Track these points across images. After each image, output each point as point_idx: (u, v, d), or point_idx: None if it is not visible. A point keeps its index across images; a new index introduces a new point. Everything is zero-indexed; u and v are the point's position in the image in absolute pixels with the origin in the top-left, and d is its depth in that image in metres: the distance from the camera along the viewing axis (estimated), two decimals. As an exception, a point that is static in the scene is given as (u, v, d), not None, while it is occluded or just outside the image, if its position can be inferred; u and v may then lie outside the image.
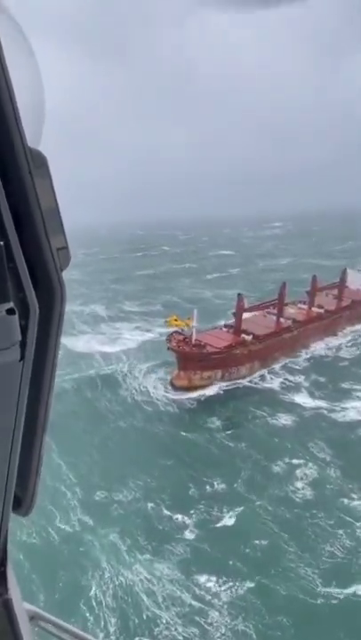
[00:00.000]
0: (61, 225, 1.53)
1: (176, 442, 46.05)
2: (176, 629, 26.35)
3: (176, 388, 56.83)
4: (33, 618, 2.81)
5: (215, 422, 49.73)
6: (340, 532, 33.17)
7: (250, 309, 65.87)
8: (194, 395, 55.58)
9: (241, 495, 37.40)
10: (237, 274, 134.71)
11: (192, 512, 35.74)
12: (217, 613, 27.37)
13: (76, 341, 74.98)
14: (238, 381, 59.11)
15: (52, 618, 2.95)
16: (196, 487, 38.55)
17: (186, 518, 35.11)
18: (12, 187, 1.36)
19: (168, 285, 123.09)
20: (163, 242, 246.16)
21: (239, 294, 64.23)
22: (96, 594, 28.78)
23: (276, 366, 63.02)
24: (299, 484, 38.51)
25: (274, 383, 59.32)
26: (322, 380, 59.46)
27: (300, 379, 59.93)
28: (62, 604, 27.44)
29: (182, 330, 60.18)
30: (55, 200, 1.48)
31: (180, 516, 35.26)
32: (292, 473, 40.16)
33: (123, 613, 27.46)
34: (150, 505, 36.25)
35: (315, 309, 72.43)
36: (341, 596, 28.30)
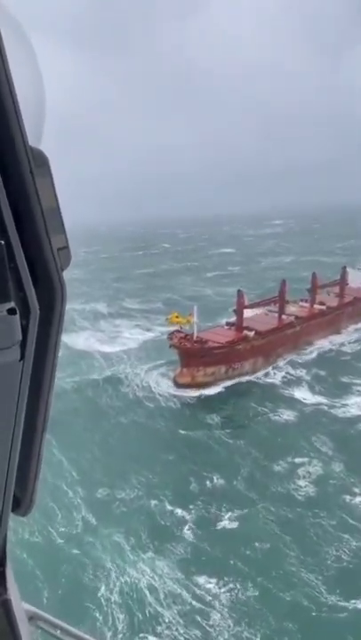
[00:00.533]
0: (62, 224, 1.53)
1: (178, 439, 46.23)
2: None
3: (179, 386, 56.52)
4: (32, 618, 2.81)
5: (220, 419, 49.69)
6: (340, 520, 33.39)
7: (251, 306, 65.90)
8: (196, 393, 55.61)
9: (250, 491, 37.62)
10: (238, 272, 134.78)
11: (198, 506, 35.88)
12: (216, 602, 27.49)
13: (77, 339, 75.11)
14: (243, 378, 58.79)
15: (51, 618, 2.96)
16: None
17: (189, 514, 35.17)
18: (12, 186, 1.36)
19: (169, 283, 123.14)
20: (163, 240, 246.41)
21: (239, 290, 64.17)
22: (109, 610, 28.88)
23: (281, 363, 62.82)
24: (301, 483, 38.58)
25: (277, 378, 59.16)
26: (327, 377, 59.30)
27: (307, 376, 59.59)
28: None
29: (181, 327, 60.10)
30: (56, 199, 1.48)
31: (186, 512, 35.37)
32: (300, 468, 40.41)
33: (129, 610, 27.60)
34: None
35: (317, 306, 72.48)
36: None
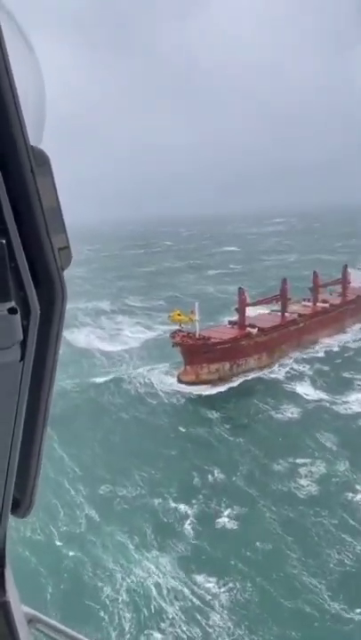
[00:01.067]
0: (63, 224, 1.52)
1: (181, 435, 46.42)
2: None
3: (183, 384, 56.25)
4: (31, 621, 2.80)
5: (228, 416, 49.71)
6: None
7: (253, 304, 65.69)
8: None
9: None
10: (241, 270, 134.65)
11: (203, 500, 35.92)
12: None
13: (79, 335, 75.36)
14: (249, 375, 58.46)
15: (50, 621, 2.95)
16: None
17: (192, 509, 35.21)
18: (13, 185, 1.35)
19: (172, 281, 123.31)
20: (165, 238, 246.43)
21: (240, 288, 64.01)
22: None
23: (288, 360, 62.71)
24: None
25: (290, 378, 58.71)
26: (337, 374, 59.32)
27: (317, 374, 59.29)
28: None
29: (181, 326, 59.96)
30: (57, 199, 1.47)
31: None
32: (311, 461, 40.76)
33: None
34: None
35: (320, 305, 72.47)
36: None
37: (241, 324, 62.43)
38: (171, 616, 26.94)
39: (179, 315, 61.00)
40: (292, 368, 61.21)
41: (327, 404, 51.96)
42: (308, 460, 41.22)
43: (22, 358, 1.49)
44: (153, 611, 27.37)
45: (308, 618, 26.54)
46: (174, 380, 57.72)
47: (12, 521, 2.04)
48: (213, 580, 29.39)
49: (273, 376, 59.40)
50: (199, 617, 26.79)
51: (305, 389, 55.55)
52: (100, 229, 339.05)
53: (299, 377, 59.11)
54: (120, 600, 28.09)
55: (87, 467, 40.82)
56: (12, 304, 1.34)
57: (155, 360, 64.35)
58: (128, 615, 27.13)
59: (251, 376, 58.91)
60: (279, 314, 67.06)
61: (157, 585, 29.05)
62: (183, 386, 56.13)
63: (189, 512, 35.37)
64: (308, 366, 61.84)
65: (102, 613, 27.19)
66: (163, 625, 26.46)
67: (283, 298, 66.77)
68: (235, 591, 28.47)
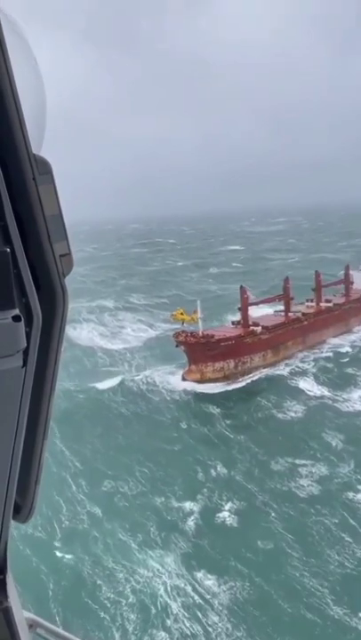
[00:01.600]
0: (65, 231, 1.52)
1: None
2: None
3: (186, 381, 55.92)
4: (32, 626, 2.81)
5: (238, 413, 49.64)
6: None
7: (256, 303, 65.60)
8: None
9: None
10: (245, 269, 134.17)
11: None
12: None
13: (80, 331, 75.52)
14: (255, 374, 58.02)
15: (50, 625, 2.96)
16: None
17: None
18: (16, 193, 1.36)
19: (175, 280, 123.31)
20: (169, 236, 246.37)
21: (242, 287, 63.82)
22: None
23: (297, 360, 62.34)
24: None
25: (302, 377, 58.19)
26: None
27: (330, 373, 58.93)
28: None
29: (183, 324, 59.86)
30: (59, 207, 1.47)
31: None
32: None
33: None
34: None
35: (323, 304, 72.31)
36: None
37: (244, 322, 62.07)
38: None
39: (181, 313, 60.92)
40: (300, 367, 60.70)
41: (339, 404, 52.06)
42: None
43: (24, 364, 1.49)
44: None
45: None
46: (179, 380, 57.27)
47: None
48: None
49: (288, 380, 58.36)
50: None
51: (319, 390, 55.02)
52: (104, 228, 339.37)
53: (314, 377, 58.18)
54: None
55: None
56: (17, 312, 1.35)
57: (159, 361, 64.07)
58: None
59: (257, 375, 58.26)
60: (283, 314, 67.00)
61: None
62: (191, 384, 55.42)
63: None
64: (323, 366, 61.13)
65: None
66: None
67: (285, 296, 66.66)
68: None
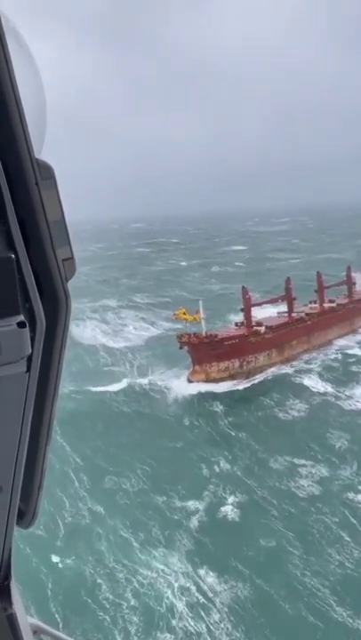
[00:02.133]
0: (67, 236, 1.51)
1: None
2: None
3: (192, 383, 55.60)
4: (36, 632, 2.81)
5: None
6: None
7: (259, 304, 65.64)
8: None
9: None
10: (249, 270, 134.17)
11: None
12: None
13: (83, 331, 75.63)
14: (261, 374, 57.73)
15: (55, 631, 2.96)
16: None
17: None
18: (19, 198, 1.35)
19: (177, 280, 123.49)
20: (173, 236, 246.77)
21: (243, 287, 63.74)
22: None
23: (302, 363, 62.08)
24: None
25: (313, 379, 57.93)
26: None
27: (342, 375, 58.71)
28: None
29: (186, 323, 59.85)
30: (62, 211, 1.46)
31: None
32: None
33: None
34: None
35: (327, 305, 72.30)
36: None
37: (248, 323, 61.94)
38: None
39: (184, 313, 60.99)
40: (308, 367, 60.49)
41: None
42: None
43: (28, 370, 1.47)
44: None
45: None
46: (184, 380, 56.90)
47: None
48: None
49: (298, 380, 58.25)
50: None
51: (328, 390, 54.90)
52: (108, 227, 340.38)
53: (333, 381, 57.67)
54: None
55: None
56: (21, 318, 1.35)
57: (161, 360, 64.02)
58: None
59: (262, 376, 57.96)
60: (286, 315, 66.96)
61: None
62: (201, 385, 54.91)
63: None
64: (329, 365, 60.75)
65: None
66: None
67: (288, 297, 66.68)
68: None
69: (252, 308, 62.91)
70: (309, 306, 72.46)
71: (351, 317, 73.33)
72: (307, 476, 39.40)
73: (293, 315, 66.51)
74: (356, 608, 27.32)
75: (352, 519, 34.12)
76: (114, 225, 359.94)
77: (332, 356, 64.51)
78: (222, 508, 35.99)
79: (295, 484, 38.41)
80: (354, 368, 61.05)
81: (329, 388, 54.85)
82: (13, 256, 1.32)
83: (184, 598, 28.42)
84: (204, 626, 26.60)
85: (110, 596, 28.57)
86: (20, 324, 1.33)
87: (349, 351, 66.31)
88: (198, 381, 55.41)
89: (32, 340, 1.42)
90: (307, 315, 67.68)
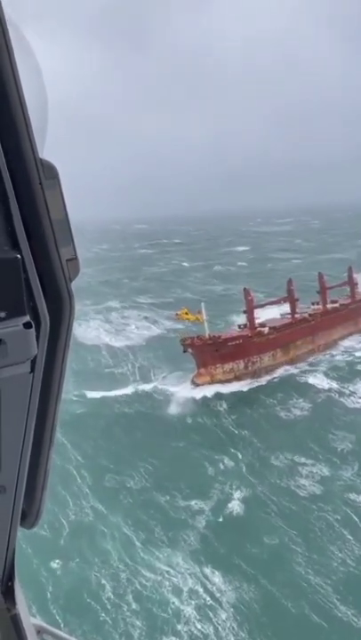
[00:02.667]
0: (71, 236, 1.51)
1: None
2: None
3: (198, 386, 54.98)
4: (39, 632, 2.81)
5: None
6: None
7: (261, 306, 65.38)
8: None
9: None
10: (253, 271, 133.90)
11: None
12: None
13: (87, 329, 75.81)
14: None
15: (58, 632, 2.96)
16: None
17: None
18: (23, 198, 1.35)
19: (179, 281, 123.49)
20: (175, 237, 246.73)
21: (245, 288, 63.59)
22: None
23: (304, 364, 61.88)
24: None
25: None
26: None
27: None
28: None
29: (189, 320, 59.78)
30: (65, 211, 1.46)
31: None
32: None
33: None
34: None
35: (329, 305, 72.20)
36: None
37: (251, 324, 61.57)
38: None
39: (186, 313, 60.94)
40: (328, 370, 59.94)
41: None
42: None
43: (32, 370, 1.48)
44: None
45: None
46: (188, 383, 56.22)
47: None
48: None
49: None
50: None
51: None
52: (110, 227, 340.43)
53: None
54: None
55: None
56: (27, 318, 1.35)
57: (164, 360, 63.86)
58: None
59: (269, 377, 57.50)
60: (289, 316, 66.88)
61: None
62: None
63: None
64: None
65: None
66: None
67: (290, 298, 66.55)
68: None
69: (255, 310, 62.60)
70: (312, 307, 72.41)
71: (355, 317, 73.22)
72: (323, 478, 39.48)
73: (297, 315, 66.39)
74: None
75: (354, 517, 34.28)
76: (116, 226, 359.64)
77: (339, 357, 64.33)
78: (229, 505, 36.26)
79: (299, 483, 38.63)
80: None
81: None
82: (19, 256, 1.33)
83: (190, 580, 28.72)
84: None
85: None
86: (27, 325, 1.34)
87: (358, 354, 65.84)
88: (203, 384, 54.86)
89: (37, 340, 1.43)
90: (310, 315, 67.60)
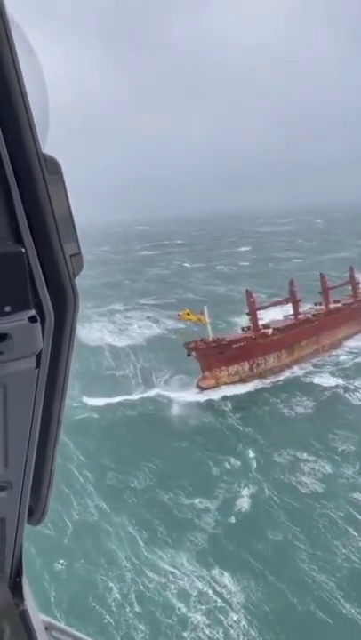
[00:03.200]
0: (75, 232, 1.51)
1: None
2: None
3: (203, 390, 54.61)
4: (47, 628, 2.80)
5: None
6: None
7: (263, 308, 65.28)
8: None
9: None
10: (255, 271, 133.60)
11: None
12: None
13: (90, 331, 75.81)
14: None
15: (66, 628, 2.95)
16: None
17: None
18: (27, 194, 1.35)
19: (182, 281, 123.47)
20: (177, 238, 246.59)
21: (247, 290, 63.39)
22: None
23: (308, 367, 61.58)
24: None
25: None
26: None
27: None
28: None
29: (191, 320, 59.66)
30: (69, 207, 1.46)
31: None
32: None
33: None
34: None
35: (332, 305, 72.05)
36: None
37: (254, 326, 61.07)
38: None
39: (188, 314, 60.85)
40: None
41: None
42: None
43: (38, 366, 1.48)
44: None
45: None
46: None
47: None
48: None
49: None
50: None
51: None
52: (112, 230, 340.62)
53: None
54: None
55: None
56: (33, 312, 1.34)
57: (168, 365, 63.57)
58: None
59: (275, 378, 57.12)
60: (292, 317, 66.71)
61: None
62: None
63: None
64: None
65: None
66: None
67: (293, 299, 66.44)
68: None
69: (258, 312, 62.33)
70: (315, 308, 72.24)
71: (358, 316, 73.04)
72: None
73: (300, 316, 66.25)
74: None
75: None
76: (118, 228, 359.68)
77: (344, 357, 64.08)
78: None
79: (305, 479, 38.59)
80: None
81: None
82: (24, 250, 1.32)
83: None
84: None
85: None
86: (32, 319, 1.33)
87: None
88: (209, 388, 54.37)
89: (42, 335, 1.42)
90: (313, 315, 67.51)
